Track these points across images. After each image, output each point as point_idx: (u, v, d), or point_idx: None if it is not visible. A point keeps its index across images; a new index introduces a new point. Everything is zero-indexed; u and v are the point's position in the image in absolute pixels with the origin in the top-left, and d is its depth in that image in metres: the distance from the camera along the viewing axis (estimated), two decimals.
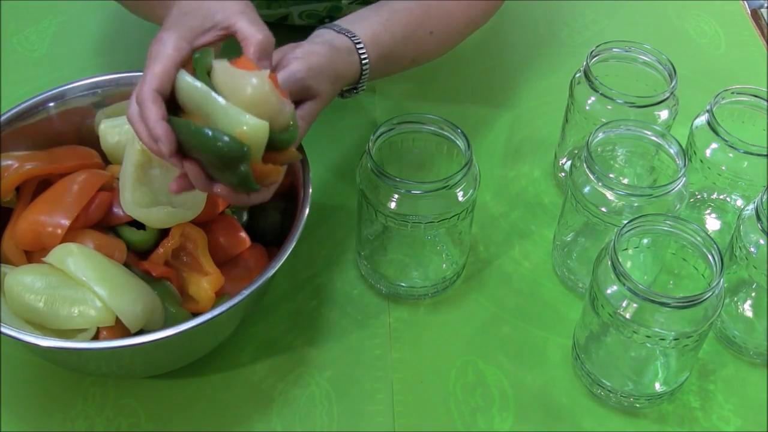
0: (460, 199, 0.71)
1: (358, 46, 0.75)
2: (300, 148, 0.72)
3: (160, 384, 0.72)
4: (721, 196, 0.83)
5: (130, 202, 0.69)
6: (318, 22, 0.97)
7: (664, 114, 0.79)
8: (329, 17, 0.97)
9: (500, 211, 0.87)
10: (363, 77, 0.76)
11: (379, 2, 0.81)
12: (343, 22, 0.77)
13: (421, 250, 0.79)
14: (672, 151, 0.73)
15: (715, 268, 0.65)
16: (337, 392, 0.72)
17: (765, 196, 0.69)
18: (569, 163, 0.87)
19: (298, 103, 0.68)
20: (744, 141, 0.74)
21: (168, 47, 0.63)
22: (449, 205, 0.71)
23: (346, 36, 0.75)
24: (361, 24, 0.77)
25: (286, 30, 0.93)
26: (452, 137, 0.73)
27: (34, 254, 0.70)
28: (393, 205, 0.70)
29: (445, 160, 0.76)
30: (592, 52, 0.81)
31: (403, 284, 0.78)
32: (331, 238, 0.83)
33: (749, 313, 0.76)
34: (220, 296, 0.70)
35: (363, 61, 0.75)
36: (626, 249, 0.70)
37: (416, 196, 0.69)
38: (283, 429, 0.70)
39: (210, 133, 0.58)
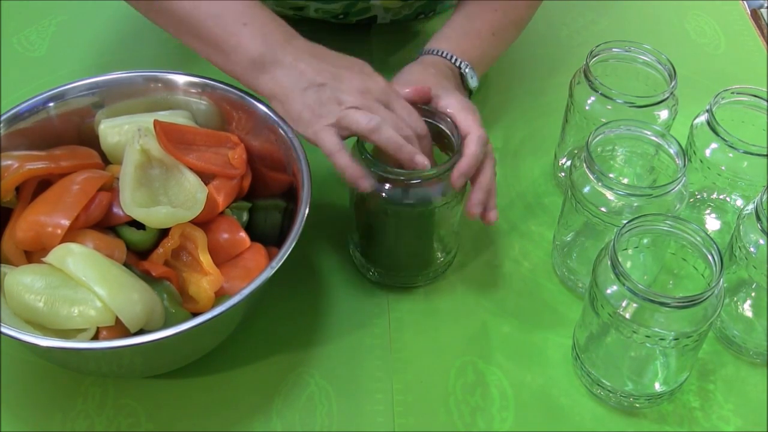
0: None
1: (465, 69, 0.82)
2: None
3: (160, 384, 0.72)
4: (721, 196, 0.83)
5: (130, 202, 0.69)
6: (332, 18, 0.97)
7: (664, 114, 0.79)
8: (344, 14, 0.98)
9: (500, 211, 0.86)
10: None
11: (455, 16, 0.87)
12: (440, 45, 0.83)
13: (414, 237, 0.79)
14: (672, 151, 0.73)
15: (714, 268, 0.65)
16: (337, 392, 0.72)
17: (765, 196, 0.69)
18: (569, 163, 0.87)
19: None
20: (744, 141, 0.74)
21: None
22: (443, 190, 0.72)
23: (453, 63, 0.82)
24: (470, 47, 0.84)
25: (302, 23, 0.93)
26: (443, 128, 0.74)
27: (34, 254, 0.70)
28: (384, 194, 0.71)
29: (436, 150, 0.76)
30: (592, 52, 0.81)
31: (396, 272, 0.78)
32: (331, 237, 0.83)
33: (749, 313, 0.76)
34: (220, 296, 0.70)
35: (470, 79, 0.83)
36: (626, 249, 0.70)
37: (411, 184, 0.71)
38: (283, 429, 0.70)
39: None
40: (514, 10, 0.87)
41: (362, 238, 0.79)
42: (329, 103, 0.69)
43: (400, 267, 0.79)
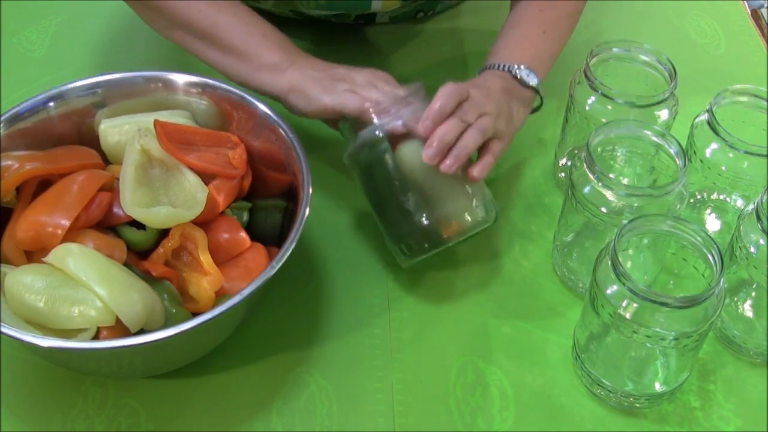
0: None
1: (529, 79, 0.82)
2: None
3: (160, 384, 0.72)
4: (721, 196, 0.84)
5: (130, 202, 0.69)
6: (331, 16, 0.97)
7: (664, 114, 0.79)
8: (340, 14, 0.99)
9: (500, 211, 0.87)
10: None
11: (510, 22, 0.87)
12: (491, 60, 0.83)
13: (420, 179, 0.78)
14: (672, 151, 0.73)
15: (715, 268, 0.65)
16: (337, 392, 0.72)
17: (765, 196, 0.69)
18: (569, 163, 0.87)
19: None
20: (744, 141, 0.74)
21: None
22: None
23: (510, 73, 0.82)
24: (519, 50, 0.83)
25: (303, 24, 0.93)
26: None
27: (34, 254, 0.70)
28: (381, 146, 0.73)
29: None
30: (592, 52, 0.81)
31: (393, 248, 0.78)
32: (330, 237, 0.83)
33: (749, 313, 0.76)
34: (220, 296, 0.70)
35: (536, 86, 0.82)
36: (626, 249, 0.70)
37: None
38: (283, 429, 0.70)
39: None
40: (561, 4, 0.86)
41: (381, 214, 0.77)
42: (342, 80, 0.77)
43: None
